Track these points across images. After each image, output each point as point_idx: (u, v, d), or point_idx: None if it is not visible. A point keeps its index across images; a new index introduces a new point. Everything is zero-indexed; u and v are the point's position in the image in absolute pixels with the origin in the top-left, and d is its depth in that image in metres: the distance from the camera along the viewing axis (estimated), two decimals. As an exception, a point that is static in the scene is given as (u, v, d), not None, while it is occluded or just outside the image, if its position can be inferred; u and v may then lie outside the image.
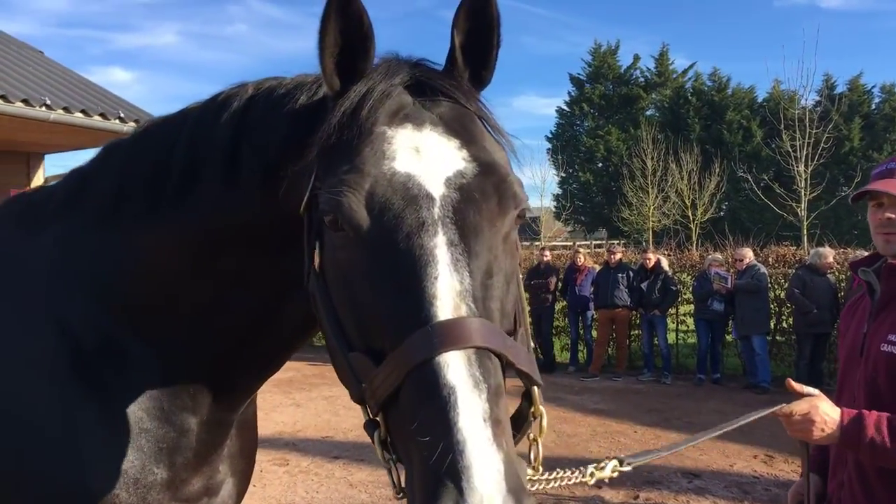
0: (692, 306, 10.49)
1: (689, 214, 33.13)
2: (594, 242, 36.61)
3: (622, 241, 33.20)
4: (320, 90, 1.43)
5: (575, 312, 10.94)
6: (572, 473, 1.55)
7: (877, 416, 1.83)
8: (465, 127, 1.30)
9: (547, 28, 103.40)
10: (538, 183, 30.61)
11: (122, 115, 7.83)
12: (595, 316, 10.71)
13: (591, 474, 1.58)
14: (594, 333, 10.76)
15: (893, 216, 1.93)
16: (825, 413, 1.86)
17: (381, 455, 1.18)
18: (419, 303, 1.11)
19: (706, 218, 32.62)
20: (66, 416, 1.56)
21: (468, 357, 1.09)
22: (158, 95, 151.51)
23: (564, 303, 11.28)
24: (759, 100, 46.49)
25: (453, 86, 1.33)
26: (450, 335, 1.09)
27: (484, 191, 1.22)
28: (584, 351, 11.10)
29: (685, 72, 52.30)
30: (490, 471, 1.01)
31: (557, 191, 53.53)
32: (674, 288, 10.12)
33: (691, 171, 33.42)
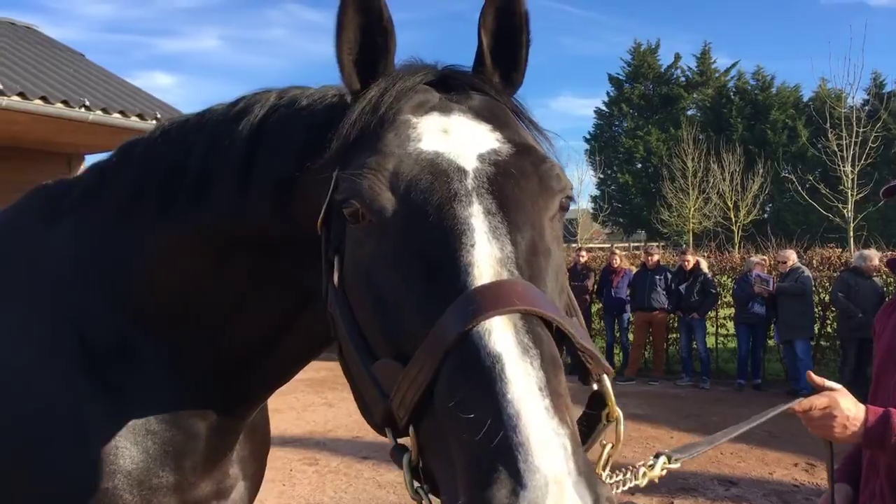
0: (732, 310, 10.22)
1: (731, 216, 32.48)
2: (633, 244, 36.12)
3: (661, 244, 32.72)
4: (343, 100, 1.34)
5: (611, 315, 10.76)
6: (624, 475, 1.34)
7: None
8: (497, 115, 1.21)
9: (585, 28, 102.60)
10: (575, 184, 30.13)
11: (159, 115, 7.93)
12: (631, 318, 10.52)
13: (644, 474, 1.38)
14: (630, 336, 10.57)
15: None
16: (847, 409, 1.72)
17: (410, 484, 0.97)
18: (454, 275, 0.97)
19: (749, 220, 31.91)
20: (74, 413, 1.53)
21: (514, 323, 0.93)
22: (200, 99, 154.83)
23: (600, 305, 11.11)
24: (805, 99, 45.44)
25: (483, 81, 1.26)
26: (490, 299, 0.93)
27: (523, 169, 1.12)
28: (620, 354, 10.92)
29: (727, 71, 51.34)
30: (553, 447, 0.82)
31: (595, 192, 53.15)
32: (713, 290, 9.88)
33: (734, 171, 32.75)
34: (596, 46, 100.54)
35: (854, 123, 17.17)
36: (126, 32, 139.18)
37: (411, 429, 0.97)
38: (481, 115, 1.20)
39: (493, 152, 1.13)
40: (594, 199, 53.26)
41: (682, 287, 9.88)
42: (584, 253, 11.06)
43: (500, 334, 0.91)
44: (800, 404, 1.76)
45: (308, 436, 6.92)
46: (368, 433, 6.14)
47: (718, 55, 62.20)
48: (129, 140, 1.68)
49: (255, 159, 1.43)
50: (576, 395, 0.98)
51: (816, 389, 1.79)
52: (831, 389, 1.76)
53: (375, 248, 1.08)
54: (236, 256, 1.48)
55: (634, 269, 10.58)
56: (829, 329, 9.77)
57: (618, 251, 10.95)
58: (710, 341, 10.60)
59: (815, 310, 9.46)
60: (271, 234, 1.42)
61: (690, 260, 9.92)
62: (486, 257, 0.98)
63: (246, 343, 1.56)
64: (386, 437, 1.04)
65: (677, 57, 53.84)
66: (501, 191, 1.07)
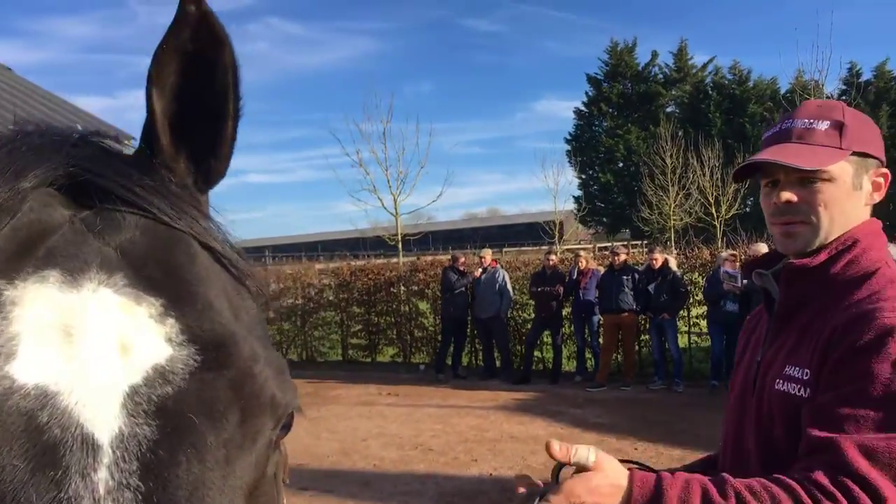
0: (705, 308, 9.83)
1: (713, 212, 32.30)
2: (615, 244, 35.84)
3: (645, 242, 32.42)
4: None
5: (580, 318, 10.35)
6: None
7: (685, 483, 1.12)
8: (174, 269, 0.66)
9: (567, 31, 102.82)
10: (551, 186, 29.93)
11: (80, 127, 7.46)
12: (601, 321, 10.11)
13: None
14: (601, 340, 10.16)
15: (794, 198, 1.30)
16: (598, 486, 1.14)
17: None
18: None
19: (730, 215, 31.69)
20: None
21: None
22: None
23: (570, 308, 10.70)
24: (783, 91, 45.40)
25: (149, 188, 0.70)
26: None
27: (212, 406, 0.61)
28: (592, 359, 10.51)
29: (705, 66, 51.34)
30: None
31: (577, 193, 52.97)
32: (683, 289, 9.49)
33: (713, 166, 32.61)
34: (576, 48, 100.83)
35: (826, 111, 16.88)
36: (109, 52, 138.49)
37: None
38: (143, 273, 0.64)
39: (160, 378, 0.60)
40: (576, 199, 53.15)
41: (651, 287, 9.48)
42: (553, 256, 10.62)
43: None
44: None
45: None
46: (313, 460, 5.66)
47: (695, 52, 62.17)
48: None
49: None
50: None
51: (554, 471, 1.23)
52: (584, 464, 1.18)
53: None
54: None
55: (602, 270, 10.18)
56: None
57: (583, 252, 10.52)
58: (684, 342, 10.21)
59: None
60: None
61: (658, 258, 9.52)
62: None
63: None
64: None
65: (654, 54, 53.84)
66: (169, 482, 0.57)
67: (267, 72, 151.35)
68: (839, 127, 1.31)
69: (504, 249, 33.84)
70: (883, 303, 1.18)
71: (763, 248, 8.97)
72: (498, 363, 11.12)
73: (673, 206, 32.64)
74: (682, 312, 9.98)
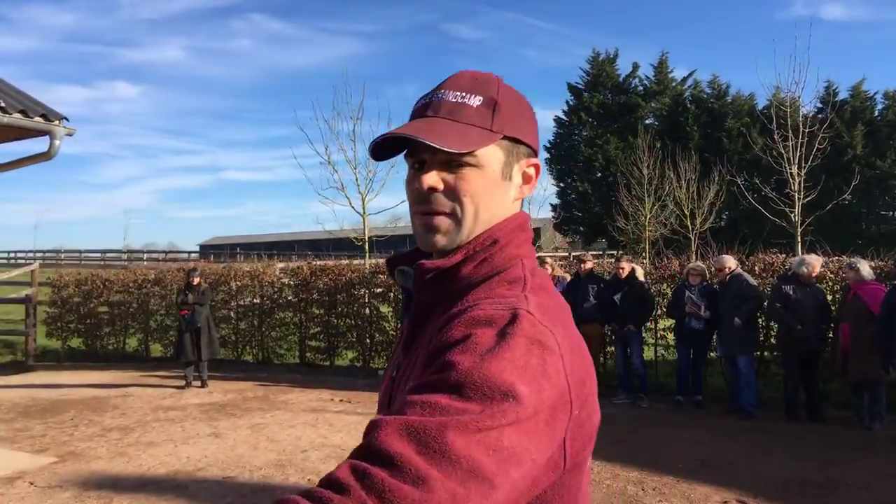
0: (673, 321, 9.52)
1: (688, 224, 32.25)
2: (592, 252, 35.63)
3: (620, 252, 32.22)
4: None
5: (544, 327, 9.97)
6: None
7: None
8: None
9: (549, 41, 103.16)
10: (538, 193, 29.61)
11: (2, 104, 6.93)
12: (566, 331, 9.74)
13: None
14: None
15: (440, 185, 1.04)
16: None
17: None
18: None
19: (705, 227, 31.63)
20: None
21: None
22: (166, 110, 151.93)
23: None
24: (760, 107, 45.65)
25: None
26: None
27: None
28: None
29: (684, 80, 51.58)
30: None
31: (556, 201, 52.92)
32: (649, 300, 9.15)
33: (690, 179, 32.60)
34: (558, 58, 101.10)
35: (800, 125, 16.69)
36: (88, 42, 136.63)
37: None
38: None
39: None
40: (554, 207, 53.10)
41: (617, 297, 9.14)
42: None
43: None
44: None
45: (170, 476, 5.94)
46: (244, 472, 5.17)
47: (675, 65, 62.61)
48: None
49: None
50: None
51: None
52: None
53: None
54: None
55: (569, 278, 9.81)
56: (773, 340, 9.09)
57: (549, 259, 10.14)
58: (650, 354, 9.87)
59: (759, 321, 8.78)
60: None
61: (625, 267, 9.17)
62: None
63: None
64: None
65: (635, 66, 54.05)
66: None
67: (250, 69, 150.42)
68: (492, 105, 1.06)
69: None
70: (486, 300, 1.00)
71: (730, 259, 8.65)
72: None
73: (648, 216, 32.54)
74: (648, 324, 9.64)
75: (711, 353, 9.21)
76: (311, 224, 16.15)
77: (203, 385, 10.73)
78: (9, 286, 17.70)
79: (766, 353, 9.13)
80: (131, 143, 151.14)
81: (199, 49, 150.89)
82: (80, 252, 47.70)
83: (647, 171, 32.52)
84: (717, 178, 32.89)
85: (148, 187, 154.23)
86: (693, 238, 31.82)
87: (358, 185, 16.73)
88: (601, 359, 9.94)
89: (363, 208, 16.96)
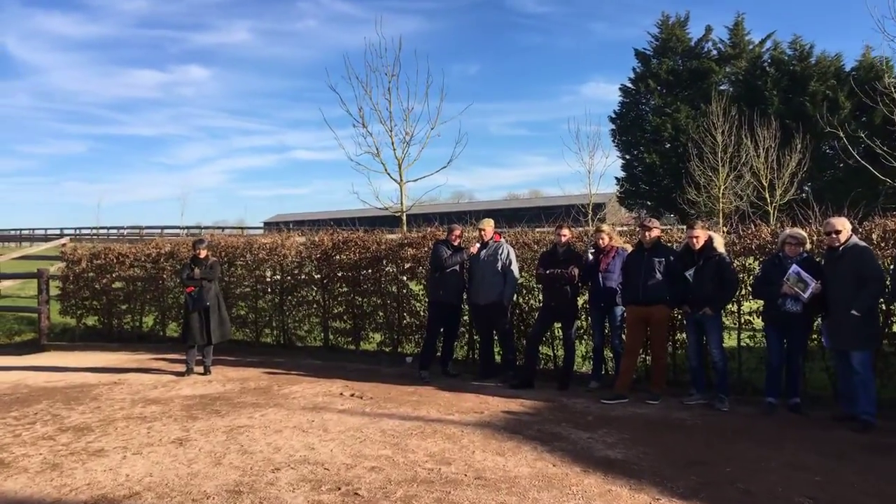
0: (760, 302, 7.63)
1: (766, 196, 29.58)
2: (646, 215, 33.12)
3: (693, 218, 29.74)
4: None
5: (599, 310, 8.21)
6: None
7: None
8: None
9: (615, 12, 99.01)
10: (586, 161, 27.53)
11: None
12: (625, 314, 7.97)
13: None
14: (624, 338, 8.02)
15: None
16: None
17: None
18: None
19: (785, 200, 28.90)
20: None
21: None
22: (234, 91, 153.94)
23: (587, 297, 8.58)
24: (848, 69, 41.87)
25: None
26: None
27: None
28: (614, 361, 8.38)
29: (762, 42, 48.04)
30: None
31: (621, 174, 50.27)
32: (731, 277, 7.27)
33: (769, 147, 29.86)
34: (625, 30, 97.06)
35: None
36: (160, 27, 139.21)
37: None
38: None
39: None
40: (619, 180, 50.45)
41: (690, 273, 7.29)
42: (566, 231, 8.42)
43: None
44: None
45: (94, 501, 4.52)
46: (185, 499, 3.68)
47: (752, 27, 58.56)
48: None
49: None
50: None
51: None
52: None
53: None
54: None
55: (629, 249, 7.99)
56: (895, 328, 7.10)
57: (605, 227, 8.31)
58: (731, 344, 7.99)
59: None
60: None
61: (700, 236, 7.29)
62: None
63: None
64: None
65: (708, 29, 50.76)
66: None
67: (315, 49, 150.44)
68: None
69: (537, 229, 31.60)
70: None
71: (845, 223, 6.64)
72: (499, 359, 9.08)
73: (723, 188, 29.97)
74: (729, 306, 7.76)
75: (812, 342, 7.28)
76: (373, 201, 14.63)
77: (206, 372, 9.40)
78: (39, 261, 16.90)
79: (885, 345, 7.12)
80: (203, 125, 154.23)
81: (266, 31, 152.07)
82: (140, 228, 47.94)
83: (723, 137, 29.91)
84: (799, 146, 30.10)
85: (218, 167, 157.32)
86: (772, 211, 29.19)
87: (394, 150, 15.17)
88: (670, 348, 8.11)
89: (400, 176, 15.40)
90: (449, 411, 6.99)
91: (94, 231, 49.02)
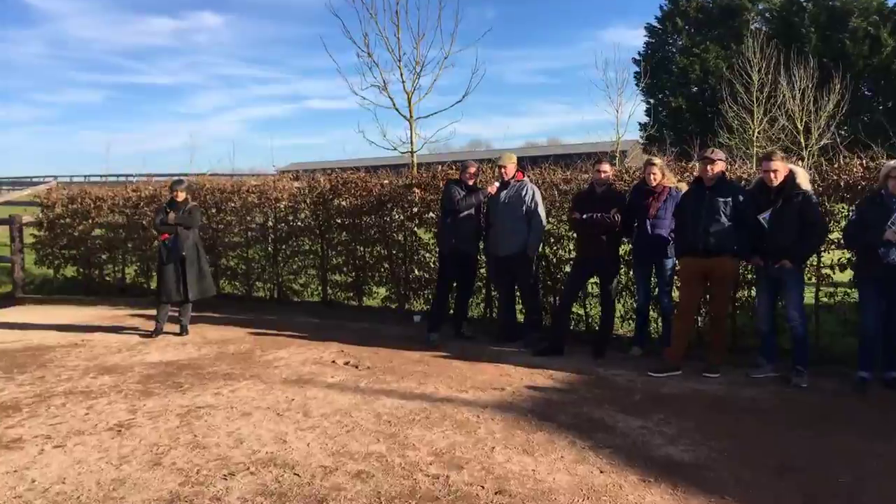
0: (849, 254, 6.18)
1: (801, 140, 27.75)
2: (710, 149, 31.49)
3: (770, 147, 28.20)
4: None
5: (645, 263, 6.80)
6: None
7: None
8: None
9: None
10: (613, 99, 25.78)
11: None
12: (678, 267, 6.55)
13: None
14: (675, 296, 6.62)
15: None
16: None
17: None
18: None
19: (822, 144, 27.07)
20: None
21: None
22: (248, 40, 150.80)
23: (630, 247, 7.17)
24: (891, 4, 39.22)
25: None
26: None
27: None
28: (660, 323, 7.01)
29: (799, -25, 45.10)
30: None
31: (645, 119, 48.16)
32: (821, 221, 5.80)
33: (805, 88, 27.87)
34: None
35: None
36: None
37: None
38: None
39: None
40: (643, 126, 48.34)
41: (765, 216, 5.82)
42: (606, 166, 6.94)
43: None
44: None
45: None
46: None
47: (788, -39, 55.17)
48: None
49: None
50: None
51: None
52: None
53: None
54: None
55: (684, 188, 6.53)
56: None
57: (657, 160, 6.85)
58: (811, 306, 6.56)
59: None
60: None
61: (779, 169, 5.80)
62: None
63: None
64: None
65: (740, -38, 47.74)
66: None
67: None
68: None
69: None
70: None
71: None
72: (522, 319, 7.73)
73: (757, 130, 28.09)
74: (812, 260, 6.32)
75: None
76: (380, 141, 13.06)
77: (182, 332, 8.15)
78: (22, 207, 15.65)
79: None
80: (219, 73, 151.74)
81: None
82: (150, 176, 46.79)
83: (758, 75, 27.89)
84: (837, 87, 28.11)
85: (235, 116, 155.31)
86: (808, 157, 27.41)
87: (402, 81, 13.60)
88: (732, 309, 6.71)
89: (410, 112, 13.86)
90: (462, 387, 5.67)
91: (103, 179, 48.04)
